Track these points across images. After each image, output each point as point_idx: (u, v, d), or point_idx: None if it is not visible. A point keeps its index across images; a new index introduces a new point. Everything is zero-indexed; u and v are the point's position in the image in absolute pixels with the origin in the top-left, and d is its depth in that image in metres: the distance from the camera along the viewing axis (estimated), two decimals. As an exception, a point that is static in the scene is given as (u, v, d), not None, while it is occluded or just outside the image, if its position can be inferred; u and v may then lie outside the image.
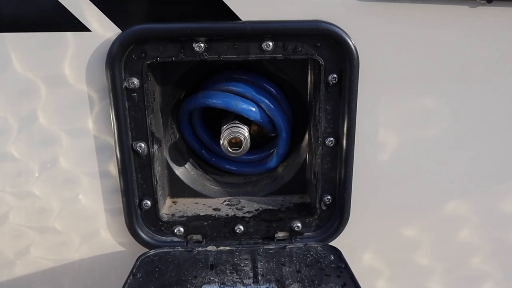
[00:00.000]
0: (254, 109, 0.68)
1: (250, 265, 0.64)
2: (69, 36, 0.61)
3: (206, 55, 0.61)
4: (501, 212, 0.72)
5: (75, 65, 0.62)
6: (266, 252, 0.67)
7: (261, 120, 0.68)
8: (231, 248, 0.68)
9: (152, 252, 0.67)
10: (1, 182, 0.68)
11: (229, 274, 0.62)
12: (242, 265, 0.64)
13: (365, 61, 0.62)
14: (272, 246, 0.67)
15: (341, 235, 0.69)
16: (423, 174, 0.69)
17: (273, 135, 0.73)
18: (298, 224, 0.69)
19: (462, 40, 0.62)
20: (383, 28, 0.61)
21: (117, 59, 0.60)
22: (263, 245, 0.67)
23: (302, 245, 0.68)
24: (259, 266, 0.64)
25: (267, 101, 0.69)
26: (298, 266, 0.63)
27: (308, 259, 0.65)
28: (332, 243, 0.69)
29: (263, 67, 0.71)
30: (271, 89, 0.71)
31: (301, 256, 0.65)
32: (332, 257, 0.65)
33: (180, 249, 0.67)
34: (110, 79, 0.61)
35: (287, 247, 0.67)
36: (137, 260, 0.65)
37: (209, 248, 0.67)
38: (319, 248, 0.67)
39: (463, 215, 0.72)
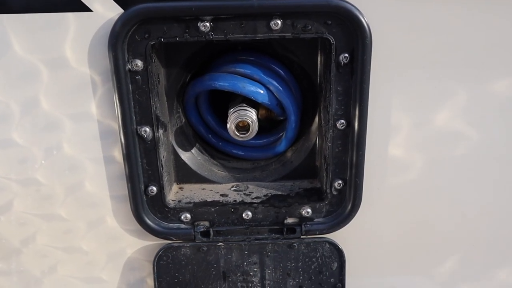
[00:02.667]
0: (262, 91, 0.65)
1: (259, 275, 0.69)
2: (70, 16, 0.58)
3: (211, 34, 0.59)
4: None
5: (77, 47, 0.60)
6: (274, 251, 0.68)
7: (269, 103, 0.66)
8: (239, 244, 0.67)
9: (162, 252, 0.68)
10: (5, 169, 0.66)
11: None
12: (251, 273, 0.69)
13: (379, 40, 0.59)
14: (280, 242, 0.67)
15: (352, 220, 0.67)
16: (438, 158, 0.66)
17: (281, 118, 0.70)
18: (308, 210, 0.67)
19: (483, 21, 0.59)
20: (398, 5, 0.58)
21: (120, 40, 0.58)
22: (271, 240, 0.67)
23: (310, 242, 0.67)
24: (267, 276, 0.68)
25: (275, 83, 0.66)
26: (301, 278, 0.68)
27: (313, 266, 0.68)
28: (343, 229, 0.67)
29: (271, 48, 0.68)
30: (280, 70, 0.68)
31: (307, 260, 0.68)
32: (335, 266, 0.68)
33: (189, 244, 0.68)
34: (113, 61, 0.59)
35: (294, 246, 0.68)
36: (153, 264, 0.69)
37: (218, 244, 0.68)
38: (326, 247, 0.68)
39: (482, 198, 0.69)
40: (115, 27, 0.58)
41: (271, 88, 0.66)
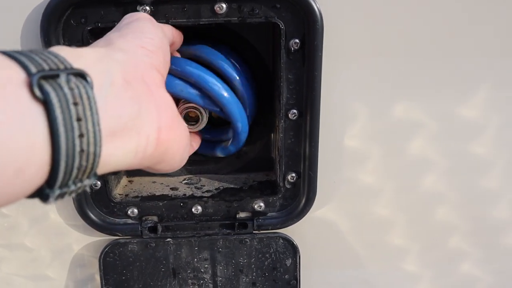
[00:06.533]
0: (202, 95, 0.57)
1: (210, 272, 0.66)
2: (-1, -1, 0.54)
3: (152, 19, 0.55)
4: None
5: (8, 33, 0.56)
6: (226, 247, 0.65)
7: (212, 108, 0.58)
8: (189, 239, 0.64)
9: (109, 248, 0.65)
10: None
11: (191, 285, 0.67)
12: (202, 270, 0.66)
13: (331, 24, 0.56)
14: (232, 238, 0.65)
15: (307, 215, 0.64)
16: (395, 149, 0.64)
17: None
18: (260, 204, 0.64)
19: (444, 7, 0.56)
20: (348, -14, 0.54)
21: (53, 25, 0.54)
22: (222, 236, 0.65)
23: (263, 237, 0.65)
24: (218, 273, 0.66)
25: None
26: (255, 275, 0.66)
27: (266, 262, 0.66)
28: (298, 224, 0.64)
29: (223, 33, 0.64)
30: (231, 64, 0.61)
31: (260, 256, 0.66)
32: (290, 262, 0.66)
33: (136, 240, 0.65)
34: (46, 48, 0.55)
35: (247, 242, 0.65)
36: (99, 261, 0.65)
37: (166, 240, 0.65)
38: (280, 242, 0.65)
39: (440, 192, 0.67)
40: (46, 10, 0.54)
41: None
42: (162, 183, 0.68)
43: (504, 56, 0.59)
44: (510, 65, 0.60)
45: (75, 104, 0.29)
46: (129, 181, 0.68)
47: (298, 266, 0.66)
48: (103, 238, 0.67)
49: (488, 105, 0.62)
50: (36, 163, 0.27)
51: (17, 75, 0.27)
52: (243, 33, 0.65)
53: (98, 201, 0.63)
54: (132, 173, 0.69)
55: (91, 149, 0.30)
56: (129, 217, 0.64)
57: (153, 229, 0.64)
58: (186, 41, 0.63)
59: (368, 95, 0.61)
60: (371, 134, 0.63)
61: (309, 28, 0.55)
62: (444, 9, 0.56)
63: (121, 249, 0.65)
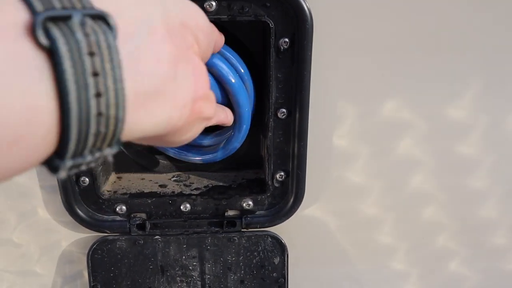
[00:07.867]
0: None
1: (198, 269, 0.66)
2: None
3: (142, 16, 0.55)
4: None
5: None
6: (214, 245, 0.65)
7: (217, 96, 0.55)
8: (177, 237, 0.64)
9: (97, 245, 0.65)
10: None
11: (179, 283, 0.66)
12: (190, 268, 0.66)
13: (321, 24, 0.56)
14: (220, 236, 0.65)
15: (295, 213, 0.64)
16: (384, 149, 0.64)
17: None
18: (249, 202, 0.64)
19: (433, 5, 0.56)
20: (338, -15, 0.54)
21: (41, 21, 0.54)
22: (210, 233, 0.65)
23: (252, 235, 0.65)
24: (206, 271, 0.66)
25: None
26: (243, 272, 0.66)
27: (254, 260, 0.66)
28: (286, 223, 0.64)
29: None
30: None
31: (248, 254, 0.66)
32: (278, 260, 0.66)
33: (124, 237, 0.64)
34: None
35: (235, 240, 0.65)
36: (87, 258, 0.65)
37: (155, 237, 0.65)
38: (269, 240, 0.65)
39: (428, 191, 0.67)
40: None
41: None
42: (151, 180, 0.68)
43: (493, 56, 0.60)
44: (499, 65, 0.61)
45: (91, 54, 0.23)
46: (118, 177, 0.68)
47: (286, 264, 0.66)
48: (91, 235, 0.67)
49: (476, 105, 0.62)
50: (39, 130, 0.22)
51: (16, 14, 0.21)
52: (234, 32, 0.64)
53: (86, 197, 0.63)
54: (121, 169, 0.69)
55: (112, 112, 0.24)
56: (117, 214, 0.64)
57: (142, 226, 0.64)
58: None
59: (357, 94, 0.61)
60: (359, 134, 0.63)
61: (299, 27, 0.55)
62: (433, 8, 0.56)
63: (109, 246, 0.65)
